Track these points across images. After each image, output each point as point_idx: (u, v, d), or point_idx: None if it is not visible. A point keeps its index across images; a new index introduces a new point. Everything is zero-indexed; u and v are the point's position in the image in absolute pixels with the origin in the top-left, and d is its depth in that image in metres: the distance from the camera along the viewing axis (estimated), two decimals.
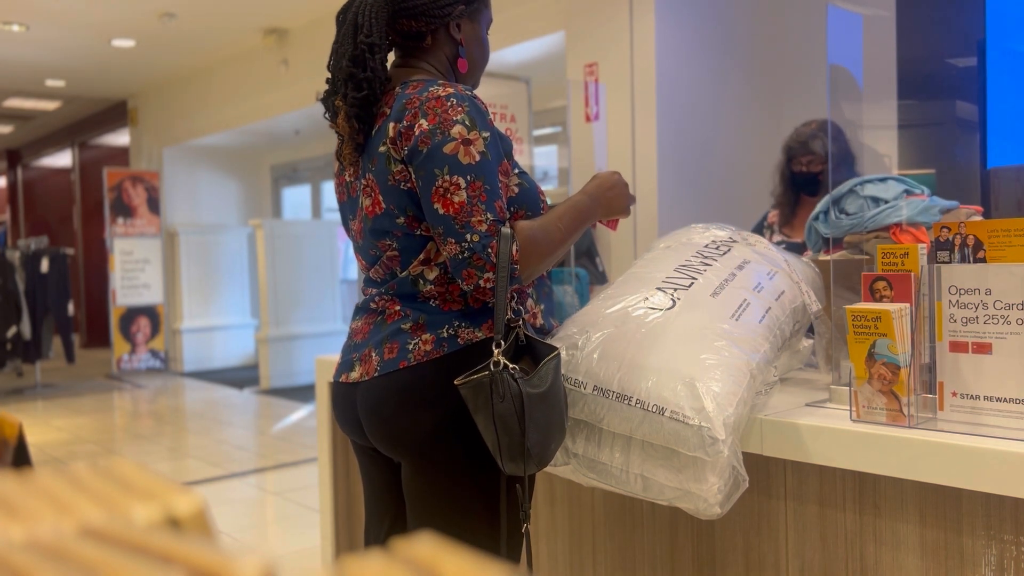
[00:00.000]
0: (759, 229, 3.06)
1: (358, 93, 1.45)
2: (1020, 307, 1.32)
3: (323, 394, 2.71)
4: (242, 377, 8.60)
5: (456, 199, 1.37)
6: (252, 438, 5.99)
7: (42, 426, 6.39)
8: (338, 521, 2.70)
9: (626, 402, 1.43)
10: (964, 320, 1.38)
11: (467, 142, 1.38)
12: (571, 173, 4.15)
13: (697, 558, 1.73)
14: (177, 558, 0.32)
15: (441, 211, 1.38)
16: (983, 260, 1.38)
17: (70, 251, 8.65)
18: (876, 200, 1.79)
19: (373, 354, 1.49)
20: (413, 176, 1.41)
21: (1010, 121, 3.56)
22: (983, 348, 1.36)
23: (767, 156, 3.34)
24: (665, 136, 4.11)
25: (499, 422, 1.33)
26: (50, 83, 9.03)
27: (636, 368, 1.44)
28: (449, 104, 1.40)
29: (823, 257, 1.96)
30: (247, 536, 3.86)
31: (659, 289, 1.61)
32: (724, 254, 1.72)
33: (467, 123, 1.39)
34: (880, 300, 1.45)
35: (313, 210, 9.63)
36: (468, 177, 1.37)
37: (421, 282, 1.47)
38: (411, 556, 0.34)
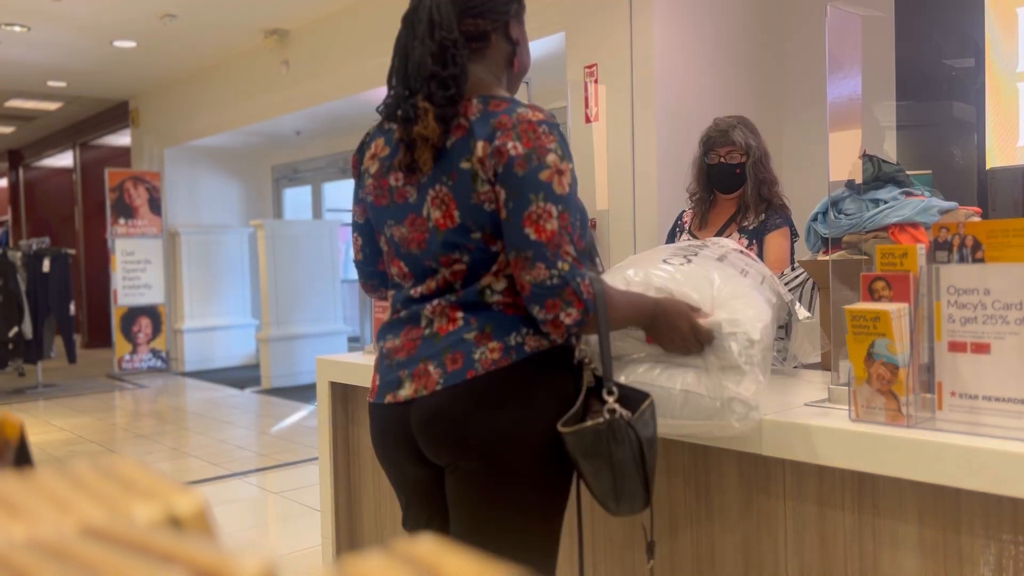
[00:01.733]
0: (673, 231, 2.97)
1: (446, 92, 1.41)
2: (1018, 307, 1.32)
3: (324, 394, 2.71)
4: (243, 377, 8.60)
5: (548, 227, 1.37)
6: (253, 438, 5.99)
7: (43, 426, 6.40)
8: (339, 521, 2.71)
9: None
10: (963, 320, 1.38)
11: (560, 172, 1.39)
12: None
13: (697, 558, 1.73)
14: (178, 557, 0.33)
15: (533, 236, 1.37)
16: (981, 260, 1.38)
17: (71, 251, 8.66)
18: (875, 200, 1.80)
19: (430, 368, 1.44)
20: (503, 197, 1.39)
21: (1007, 122, 3.56)
22: (982, 348, 1.36)
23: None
24: (665, 136, 4.11)
25: (617, 467, 1.38)
26: (52, 84, 9.04)
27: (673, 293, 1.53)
28: (541, 131, 1.40)
29: (822, 257, 1.97)
30: (248, 536, 3.86)
31: (665, 261, 1.64)
32: (703, 248, 1.75)
33: (559, 153, 1.40)
34: (879, 300, 1.45)
35: (314, 211, 9.63)
36: (559, 207, 1.38)
37: (488, 292, 1.46)
38: (411, 555, 0.34)
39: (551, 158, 1.38)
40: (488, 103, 1.44)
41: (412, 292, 1.52)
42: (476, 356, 1.42)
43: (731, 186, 2.79)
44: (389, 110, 1.50)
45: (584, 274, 1.38)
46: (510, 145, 1.38)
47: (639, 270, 1.61)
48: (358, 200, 1.64)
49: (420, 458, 1.51)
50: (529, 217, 1.37)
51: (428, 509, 1.56)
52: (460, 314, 1.46)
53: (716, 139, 2.78)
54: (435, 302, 1.48)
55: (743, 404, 1.46)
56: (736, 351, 1.46)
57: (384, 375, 1.52)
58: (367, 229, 1.64)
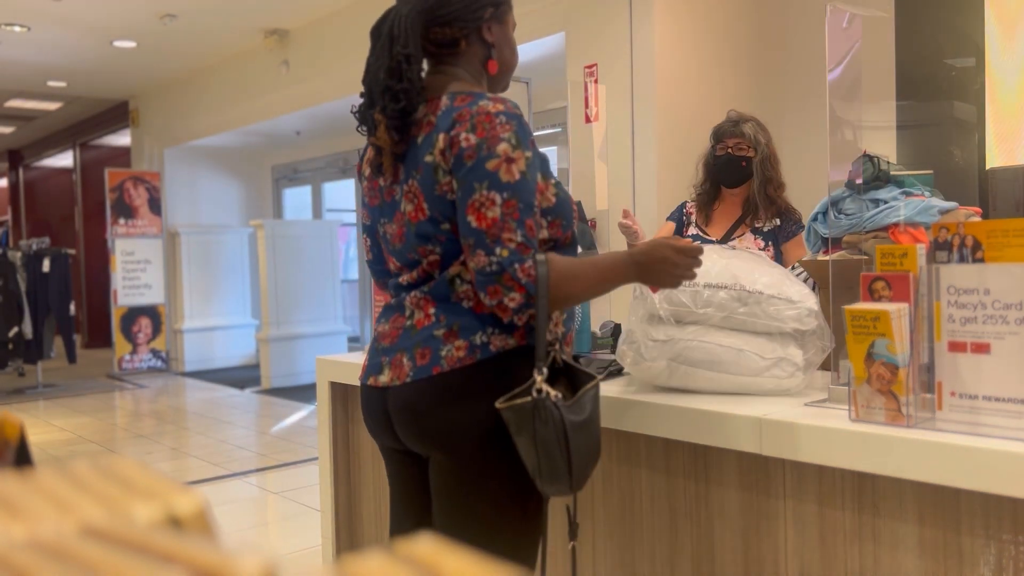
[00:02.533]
0: (680, 220, 2.90)
1: (396, 105, 1.47)
2: (1018, 307, 1.32)
3: (324, 394, 2.71)
4: (243, 377, 8.60)
5: (489, 214, 1.41)
6: (253, 438, 5.99)
7: (43, 426, 6.40)
8: (338, 521, 2.71)
9: (736, 288, 1.71)
10: (963, 320, 1.38)
11: (510, 160, 1.42)
12: (571, 173, 4.15)
13: (697, 558, 1.73)
14: (178, 557, 0.33)
15: (474, 224, 1.42)
16: (981, 260, 1.38)
17: (71, 251, 8.65)
18: (875, 200, 1.80)
19: (404, 359, 1.52)
20: (455, 186, 1.45)
21: (1008, 122, 3.55)
22: (982, 348, 1.36)
23: None
24: (665, 136, 4.11)
25: (541, 447, 1.39)
26: (52, 84, 9.04)
27: (744, 273, 1.72)
28: (498, 121, 1.44)
29: (822, 257, 1.97)
30: (248, 536, 3.86)
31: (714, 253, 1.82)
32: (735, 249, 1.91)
33: (513, 142, 1.43)
34: (879, 300, 1.45)
35: (314, 210, 9.63)
36: (504, 195, 1.41)
37: (458, 282, 1.51)
38: (411, 555, 0.34)
39: (502, 147, 1.42)
40: (455, 99, 1.50)
41: (401, 280, 1.61)
42: (443, 353, 1.48)
43: (736, 180, 2.76)
44: (361, 117, 1.56)
45: (526, 259, 1.40)
46: (463, 136, 1.44)
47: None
48: (364, 204, 1.71)
49: (399, 438, 1.59)
50: (472, 205, 1.42)
51: (406, 483, 1.65)
52: (432, 309, 1.53)
53: (727, 130, 2.76)
54: (414, 293, 1.56)
55: (791, 364, 1.69)
56: (796, 319, 1.69)
57: (371, 358, 1.61)
58: (373, 229, 1.71)
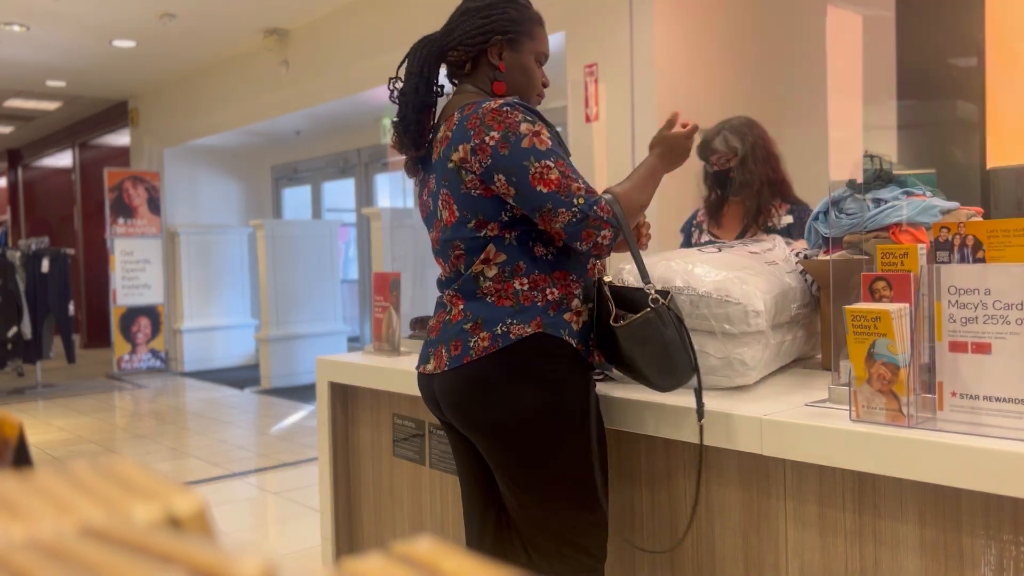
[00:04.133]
0: (688, 228, 2.95)
1: (399, 112, 1.77)
2: (1019, 307, 1.32)
3: (323, 394, 2.71)
4: (242, 377, 8.60)
5: (552, 176, 1.59)
6: (252, 438, 5.99)
7: (43, 426, 6.40)
8: (338, 521, 2.71)
9: (688, 291, 1.80)
10: (963, 320, 1.38)
11: (536, 133, 1.61)
12: None
13: (697, 558, 1.73)
14: (178, 558, 0.32)
15: (544, 190, 1.59)
16: (982, 260, 1.38)
17: (71, 251, 8.65)
18: (876, 200, 1.80)
19: (443, 350, 1.73)
20: (504, 179, 1.61)
21: (1010, 121, 3.55)
22: (982, 348, 1.36)
23: None
24: None
25: (671, 346, 1.59)
26: (51, 83, 9.04)
27: (695, 274, 1.82)
28: (504, 111, 1.63)
29: (823, 257, 1.97)
30: (248, 536, 3.86)
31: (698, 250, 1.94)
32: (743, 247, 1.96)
33: (528, 120, 1.63)
34: (879, 300, 1.45)
35: (313, 210, 9.62)
36: (551, 159, 1.60)
37: (481, 279, 1.70)
38: (411, 555, 0.34)
39: (523, 127, 1.61)
40: (463, 110, 1.70)
41: (440, 275, 1.83)
42: (471, 344, 1.68)
43: (734, 190, 2.78)
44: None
45: (598, 200, 1.60)
46: (487, 138, 1.62)
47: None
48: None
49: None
50: (533, 178, 1.59)
51: (468, 455, 1.85)
52: (462, 305, 1.73)
53: (701, 151, 2.79)
54: (448, 291, 1.77)
55: (742, 364, 1.76)
56: (742, 319, 1.74)
57: (423, 348, 1.84)
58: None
